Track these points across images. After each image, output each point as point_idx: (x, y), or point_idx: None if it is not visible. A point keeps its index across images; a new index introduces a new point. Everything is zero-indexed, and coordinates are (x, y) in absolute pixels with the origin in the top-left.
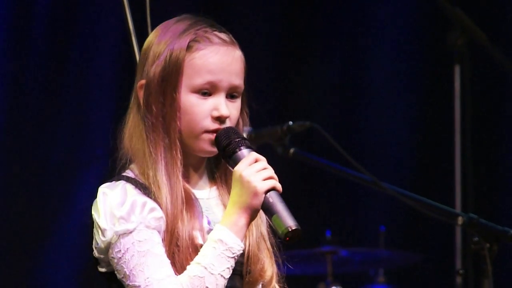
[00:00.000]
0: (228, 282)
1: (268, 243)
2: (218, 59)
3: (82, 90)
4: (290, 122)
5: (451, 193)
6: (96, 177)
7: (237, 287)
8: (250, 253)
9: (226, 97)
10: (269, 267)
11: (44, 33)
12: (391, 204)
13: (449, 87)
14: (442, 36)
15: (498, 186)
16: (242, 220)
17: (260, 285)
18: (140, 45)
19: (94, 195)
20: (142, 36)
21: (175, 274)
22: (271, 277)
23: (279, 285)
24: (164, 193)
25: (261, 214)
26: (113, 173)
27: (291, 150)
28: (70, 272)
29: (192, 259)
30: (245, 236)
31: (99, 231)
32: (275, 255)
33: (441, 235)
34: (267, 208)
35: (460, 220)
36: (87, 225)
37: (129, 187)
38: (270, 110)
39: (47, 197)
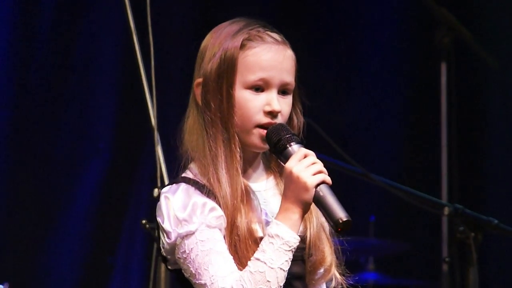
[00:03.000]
0: (292, 268)
1: (327, 233)
2: (270, 57)
3: (85, 85)
4: None
5: (437, 184)
6: (98, 169)
7: (300, 271)
8: (311, 242)
9: (278, 93)
10: (328, 255)
11: (49, 30)
12: (380, 195)
13: (435, 83)
14: (429, 34)
15: (482, 178)
16: (296, 214)
17: (323, 270)
18: (141, 42)
19: (96, 186)
20: (142, 34)
21: (238, 266)
22: (331, 264)
23: (338, 271)
24: (224, 187)
25: None
26: (117, 165)
27: None
28: (73, 260)
29: (252, 251)
30: (306, 226)
31: (164, 234)
32: (334, 244)
33: (428, 224)
34: (318, 201)
35: (446, 210)
36: (93, 213)
37: (189, 189)
38: None
39: (51, 188)
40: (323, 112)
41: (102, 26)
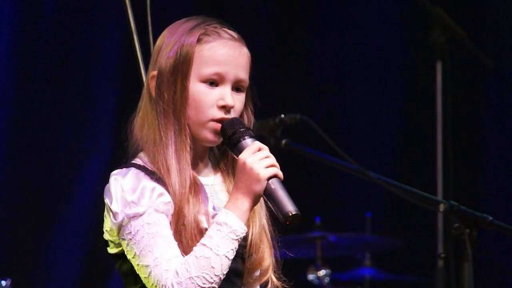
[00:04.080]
0: (232, 263)
1: (268, 235)
2: (225, 52)
3: (86, 84)
4: (282, 115)
5: (433, 181)
6: (99, 167)
7: (239, 269)
8: (252, 242)
9: (232, 89)
10: (267, 257)
11: (51, 30)
12: (376, 192)
13: (431, 81)
14: (425, 34)
15: (477, 175)
16: (246, 204)
17: (258, 272)
18: (141, 41)
19: (97, 183)
20: (143, 33)
21: (182, 254)
22: (268, 267)
23: (274, 275)
24: (173, 176)
25: (264, 207)
26: (118, 162)
27: (283, 141)
28: (74, 255)
29: (196, 241)
30: (248, 226)
31: (111, 214)
32: (274, 247)
33: (424, 221)
34: (269, 194)
35: (441, 207)
36: (94, 210)
37: (139, 173)
38: (263, 104)
39: (53, 186)
40: (320, 110)
41: (102, 26)
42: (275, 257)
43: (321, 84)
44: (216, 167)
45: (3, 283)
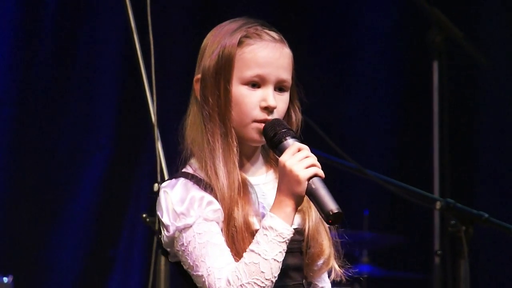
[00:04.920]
0: (290, 259)
1: (326, 226)
2: (266, 54)
3: (87, 83)
4: None
5: (429, 179)
6: (100, 165)
7: (298, 263)
8: (309, 235)
9: (275, 90)
10: (327, 248)
11: (52, 30)
12: (374, 190)
13: (428, 81)
14: (422, 34)
15: (473, 173)
16: (289, 207)
17: (321, 262)
18: (141, 41)
19: (98, 182)
20: (143, 33)
21: (235, 257)
22: (329, 257)
23: (338, 263)
24: (221, 179)
25: None
26: (118, 161)
27: None
28: (75, 253)
29: (249, 242)
30: (304, 219)
31: (163, 227)
32: (333, 237)
33: (421, 218)
34: (311, 194)
35: (438, 204)
36: (95, 208)
37: (188, 183)
38: None
39: (54, 183)
40: (319, 109)
41: (103, 25)
42: (336, 246)
43: (319, 83)
44: (268, 163)
45: (5, 280)
